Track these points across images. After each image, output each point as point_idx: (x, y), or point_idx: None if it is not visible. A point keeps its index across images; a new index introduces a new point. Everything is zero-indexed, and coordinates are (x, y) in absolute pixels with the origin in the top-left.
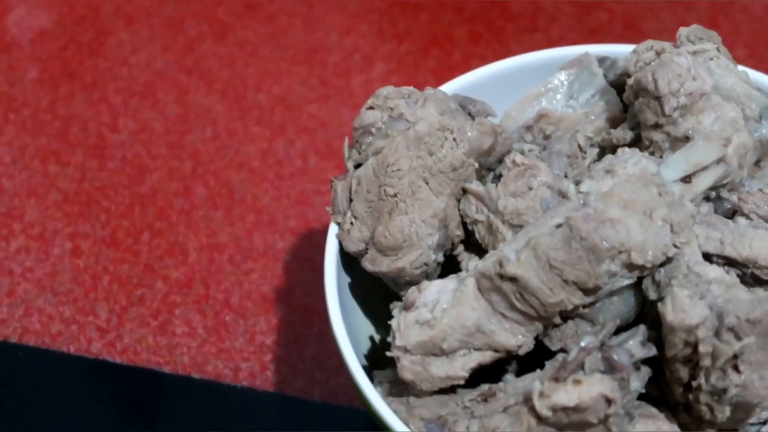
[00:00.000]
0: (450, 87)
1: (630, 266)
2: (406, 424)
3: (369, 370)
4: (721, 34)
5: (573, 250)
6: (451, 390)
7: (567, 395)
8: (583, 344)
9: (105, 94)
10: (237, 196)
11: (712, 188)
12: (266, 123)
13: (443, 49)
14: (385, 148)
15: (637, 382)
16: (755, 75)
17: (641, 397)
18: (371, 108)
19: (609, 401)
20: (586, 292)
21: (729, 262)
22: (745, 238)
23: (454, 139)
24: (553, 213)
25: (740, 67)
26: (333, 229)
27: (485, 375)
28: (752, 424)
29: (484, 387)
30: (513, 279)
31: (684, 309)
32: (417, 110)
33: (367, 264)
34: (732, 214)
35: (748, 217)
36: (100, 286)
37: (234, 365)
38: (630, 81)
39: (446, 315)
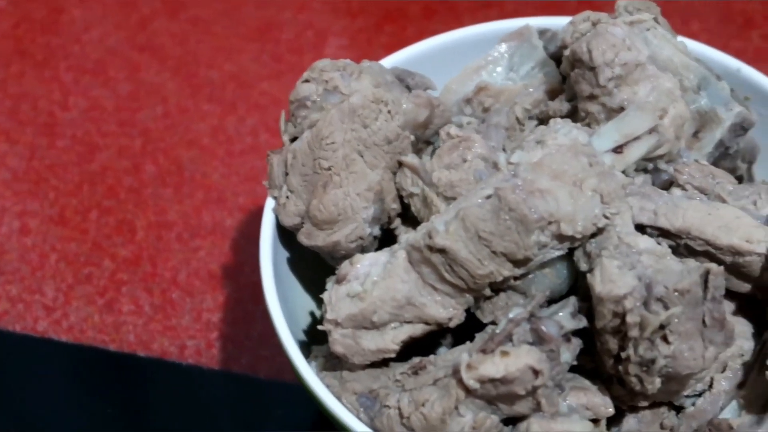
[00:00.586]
0: (391, 60)
1: (560, 237)
2: (339, 398)
3: (309, 346)
4: (676, 8)
5: (502, 221)
6: (384, 364)
7: (494, 367)
8: (511, 316)
9: (56, 72)
10: (186, 174)
11: (649, 159)
12: (218, 100)
13: (397, 25)
14: (319, 121)
15: (568, 354)
16: (694, 45)
17: (575, 369)
18: (307, 81)
19: (536, 373)
20: (516, 263)
21: (663, 233)
22: (678, 209)
23: (389, 112)
24: (484, 184)
25: (679, 38)
26: (269, 204)
27: (421, 349)
28: (687, 396)
29: (415, 360)
30: (442, 250)
31: (612, 279)
32: (352, 83)
33: (303, 238)
34: (669, 185)
35: (683, 188)
36: (47, 264)
37: (180, 343)
38: (566, 52)
39: (376, 288)
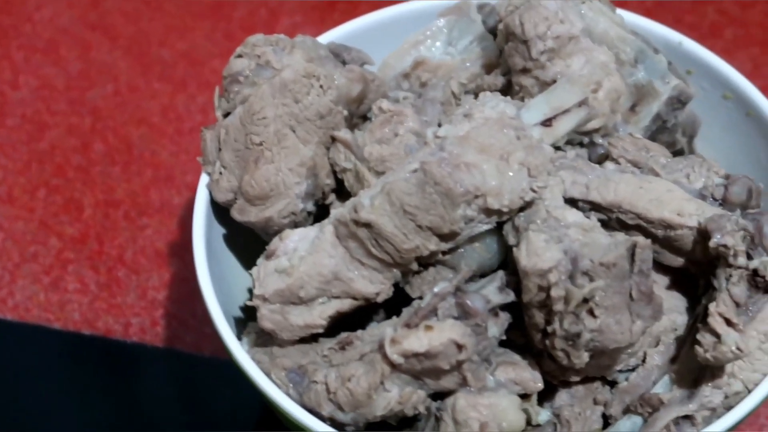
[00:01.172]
0: (330, 36)
1: (487, 211)
2: (268, 374)
3: (246, 322)
4: None
5: (427, 194)
6: (314, 339)
7: (418, 341)
8: (436, 290)
9: (7, 51)
10: (135, 152)
11: (585, 133)
12: (168, 78)
13: (350, 3)
14: (251, 97)
15: (495, 329)
16: (634, 18)
17: (507, 344)
18: (239, 56)
19: (460, 347)
20: (442, 237)
21: (594, 207)
22: (610, 183)
23: (321, 87)
24: (411, 158)
25: (619, 11)
26: (203, 180)
27: (354, 325)
28: (620, 371)
29: (343, 335)
30: (367, 225)
31: (537, 253)
32: (284, 58)
33: (236, 214)
34: (605, 159)
35: (616, 162)
36: None
37: (125, 321)
38: (500, 26)
39: (303, 263)
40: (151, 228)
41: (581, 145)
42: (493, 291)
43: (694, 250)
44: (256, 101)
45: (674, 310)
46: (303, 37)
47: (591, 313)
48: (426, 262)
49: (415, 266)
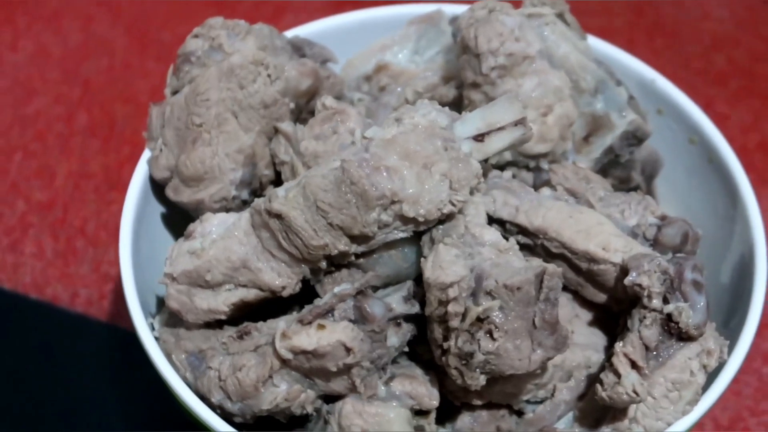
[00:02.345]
0: (302, 30)
1: (403, 218)
2: (170, 355)
3: None
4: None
5: (342, 193)
6: (219, 326)
7: (307, 339)
8: (337, 290)
9: (12, 15)
10: (117, 128)
11: (532, 157)
12: (164, 60)
13: (357, 3)
14: (198, 77)
15: (395, 339)
16: (607, 48)
17: (415, 359)
18: (195, 36)
19: (348, 350)
20: (353, 238)
21: (521, 231)
22: (541, 209)
23: (269, 76)
24: (336, 156)
25: (591, 39)
26: (145, 155)
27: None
28: (528, 402)
29: (243, 325)
30: (279, 216)
31: (442, 266)
32: (236, 42)
33: (170, 193)
34: (546, 185)
35: (554, 189)
36: None
37: (73, 291)
38: (458, 38)
39: (214, 246)
40: (117, 204)
41: (527, 168)
42: (397, 300)
43: (616, 287)
44: (202, 82)
45: (591, 347)
46: (261, 25)
47: (490, 334)
48: (338, 262)
49: (324, 264)
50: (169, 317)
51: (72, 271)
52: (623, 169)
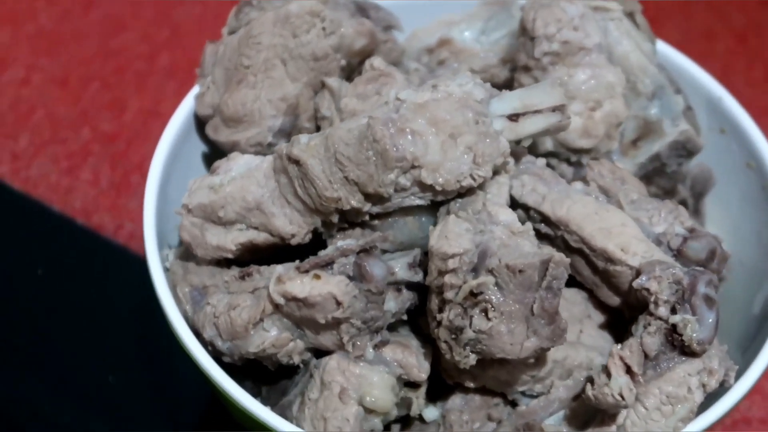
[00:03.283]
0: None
1: (421, 185)
2: (176, 287)
3: None
4: None
5: (363, 149)
6: (227, 265)
7: (300, 286)
8: (341, 244)
9: None
10: (196, 74)
11: (575, 151)
12: None
13: None
14: (254, 20)
15: (393, 303)
16: (681, 59)
17: (416, 331)
18: None
19: (339, 304)
20: (368, 196)
21: (544, 219)
22: (567, 200)
23: (323, 29)
24: (367, 114)
25: (664, 47)
26: (194, 90)
27: None
28: (524, 394)
29: (247, 267)
30: (297, 162)
31: (447, 236)
32: None
33: (210, 131)
34: (582, 179)
35: (587, 184)
36: (33, 117)
37: (119, 222)
38: (521, 20)
39: (232, 184)
40: None
41: (568, 162)
42: (401, 265)
43: (630, 292)
44: (257, 26)
45: (597, 349)
46: None
47: (485, 313)
48: (352, 220)
49: (335, 218)
50: (184, 251)
51: (121, 204)
52: (669, 179)
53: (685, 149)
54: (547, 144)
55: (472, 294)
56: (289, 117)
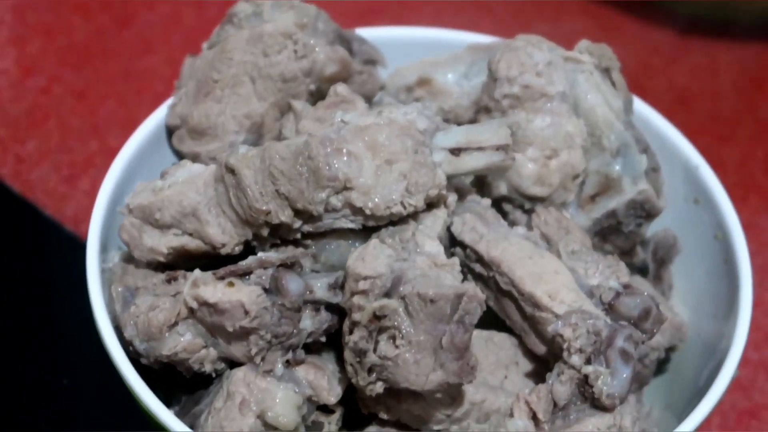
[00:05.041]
0: (368, 33)
1: (351, 207)
2: (110, 285)
3: None
4: None
5: (298, 165)
6: (162, 269)
7: (212, 291)
8: (262, 256)
9: None
10: None
11: (529, 198)
12: None
13: None
14: (230, 37)
15: (309, 322)
16: (662, 123)
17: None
18: (246, 0)
19: (247, 313)
20: (297, 213)
21: (479, 259)
22: (504, 242)
23: (295, 51)
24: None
25: (642, 106)
26: (169, 101)
27: None
28: None
29: (175, 271)
30: (232, 171)
31: (364, 258)
32: (276, 13)
33: (176, 141)
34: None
35: (531, 229)
36: (45, 125)
37: None
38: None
39: (172, 188)
40: None
41: (522, 209)
42: (321, 285)
43: (554, 341)
44: (231, 41)
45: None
46: (311, 6)
47: (393, 340)
48: (284, 237)
49: (265, 232)
50: (128, 254)
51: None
52: (626, 239)
53: (644, 209)
54: (502, 188)
55: (376, 317)
56: (253, 135)
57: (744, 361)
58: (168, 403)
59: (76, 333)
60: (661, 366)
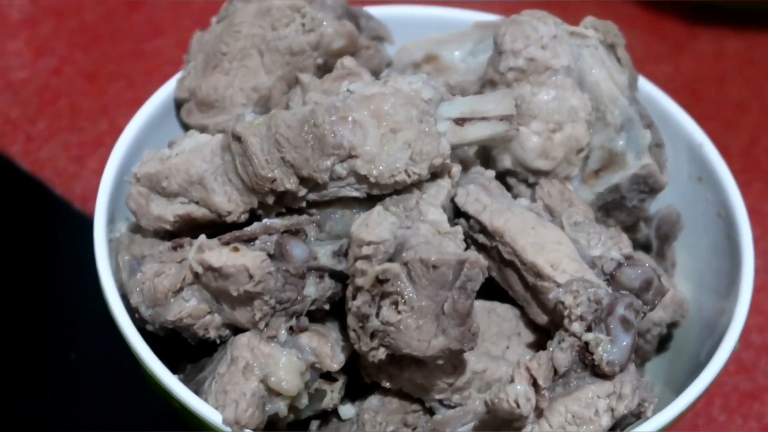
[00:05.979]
0: (376, 11)
1: (356, 175)
2: (117, 254)
3: None
4: None
5: (304, 132)
6: (169, 237)
7: (217, 255)
8: (267, 221)
9: None
10: None
11: (534, 172)
12: None
13: None
14: (238, 10)
15: (313, 289)
16: (664, 99)
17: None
18: None
19: (251, 277)
20: (303, 180)
21: (483, 230)
22: (507, 212)
23: (303, 25)
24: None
25: (647, 84)
26: (178, 75)
27: None
28: (442, 404)
29: (181, 239)
30: (239, 139)
31: (368, 224)
32: None
33: (184, 114)
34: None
35: (533, 201)
36: (55, 105)
37: None
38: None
39: (179, 157)
40: None
41: (527, 183)
42: (325, 252)
43: (555, 310)
44: (239, 15)
45: None
46: None
47: (395, 306)
48: (289, 205)
49: (270, 200)
50: (136, 224)
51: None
52: (629, 214)
53: (647, 184)
54: (506, 162)
55: (379, 281)
56: (260, 108)
57: (747, 344)
58: (173, 373)
59: (83, 309)
60: (662, 343)
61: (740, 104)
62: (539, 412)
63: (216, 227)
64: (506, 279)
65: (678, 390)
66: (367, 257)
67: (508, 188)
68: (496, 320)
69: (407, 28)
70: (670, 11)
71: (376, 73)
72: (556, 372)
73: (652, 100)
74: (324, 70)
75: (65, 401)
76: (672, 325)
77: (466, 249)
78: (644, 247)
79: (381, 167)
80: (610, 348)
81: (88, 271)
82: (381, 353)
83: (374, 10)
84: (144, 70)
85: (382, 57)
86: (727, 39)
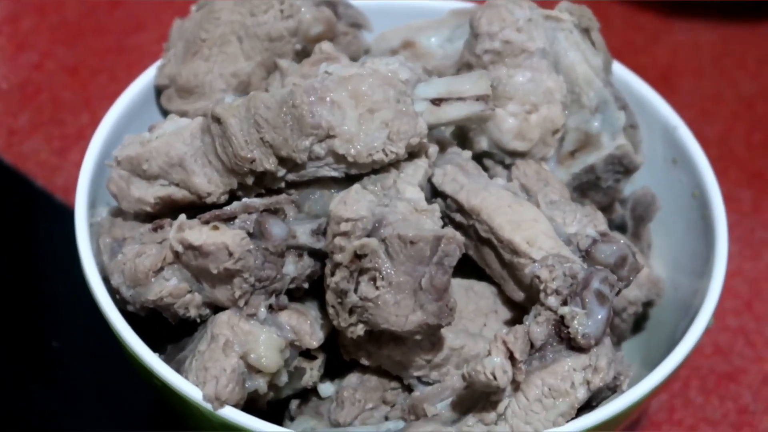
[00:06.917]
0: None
1: (335, 155)
2: (98, 237)
3: None
4: None
5: (282, 113)
6: (150, 220)
7: (197, 234)
8: (246, 200)
9: None
10: None
11: (510, 154)
12: None
13: None
14: None
15: (292, 267)
16: (638, 84)
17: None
18: None
19: (231, 254)
20: (282, 161)
21: (460, 209)
22: (483, 192)
23: (281, 11)
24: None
25: (621, 69)
26: (158, 63)
27: None
28: (420, 381)
29: (161, 220)
30: (217, 120)
31: (346, 202)
32: None
33: (164, 100)
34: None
35: (509, 180)
36: (37, 98)
37: None
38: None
39: (160, 139)
40: None
41: (503, 165)
42: (304, 230)
43: (531, 287)
44: (219, 2)
45: None
46: None
47: (374, 281)
48: (269, 186)
49: (250, 180)
50: (117, 208)
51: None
52: (604, 194)
53: (622, 164)
54: (483, 143)
55: (357, 256)
56: (240, 93)
57: (723, 327)
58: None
59: (65, 299)
60: (639, 323)
61: (715, 94)
62: (516, 386)
63: (196, 209)
64: (483, 257)
65: (653, 368)
66: (345, 234)
67: (485, 170)
68: (474, 298)
69: (386, 18)
70: (646, 1)
71: (354, 60)
72: (532, 346)
73: (627, 84)
74: (302, 55)
75: (49, 389)
76: (648, 304)
77: (443, 227)
78: (620, 228)
79: (359, 146)
80: (585, 321)
81: (71, 261)
82: (359, 329)
83: (353, 1)
84: (126, 64)
85: (360, 44)
86: (702, 31)
